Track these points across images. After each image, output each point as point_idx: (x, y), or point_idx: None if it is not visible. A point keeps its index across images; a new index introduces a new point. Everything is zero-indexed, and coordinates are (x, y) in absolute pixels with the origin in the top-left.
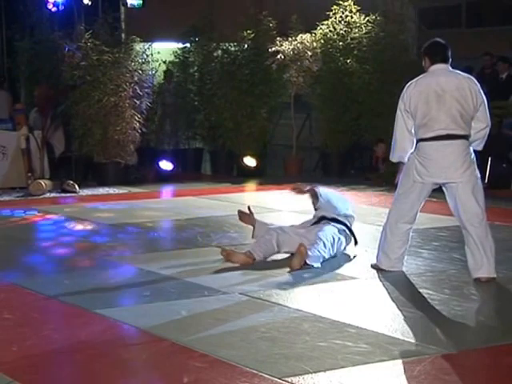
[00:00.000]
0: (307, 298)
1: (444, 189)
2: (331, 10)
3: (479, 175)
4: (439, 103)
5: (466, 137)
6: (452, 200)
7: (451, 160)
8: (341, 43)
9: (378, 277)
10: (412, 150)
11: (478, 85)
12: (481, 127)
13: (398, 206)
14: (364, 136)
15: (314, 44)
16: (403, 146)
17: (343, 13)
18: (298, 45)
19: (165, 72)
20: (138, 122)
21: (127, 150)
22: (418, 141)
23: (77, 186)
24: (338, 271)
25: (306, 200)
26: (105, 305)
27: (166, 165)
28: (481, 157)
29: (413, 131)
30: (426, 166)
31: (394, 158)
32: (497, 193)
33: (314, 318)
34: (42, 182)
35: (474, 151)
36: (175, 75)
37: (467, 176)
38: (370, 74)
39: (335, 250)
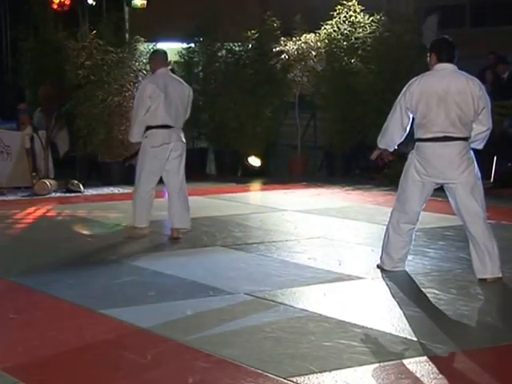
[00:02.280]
0: (313, 298)
1: (445, 189)
2: (335, 10)
3: (479, 175)
4: (439, 106)
5: (464, 138)
6: (453, 200)
7: (449, 161)
8: (345, 43)
9: (384, 277)
10: (401, 141)
11: (483, 87)
12: (482, 130)
13: (399, 206)
14: (369, 136)
15: (319, 44)
16: (392, 138)
17: (347, 13)
18: (302, 45)
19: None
20: None
21: (131, 150)
22: (417, 140)
23: (81, 186)
24: (343, 271)
25: (309, 200)
26: (110, 305)
27: None
28: (486, 156)
29: (407, 128)
30: (425, 166)
31: (380, 144)
32: (502, 192)
33: (319, 317)
34: (46, 181)
35: (480, 150)
36: (180, 75)
37: (465, 176)
38: (374, 74)
39: None
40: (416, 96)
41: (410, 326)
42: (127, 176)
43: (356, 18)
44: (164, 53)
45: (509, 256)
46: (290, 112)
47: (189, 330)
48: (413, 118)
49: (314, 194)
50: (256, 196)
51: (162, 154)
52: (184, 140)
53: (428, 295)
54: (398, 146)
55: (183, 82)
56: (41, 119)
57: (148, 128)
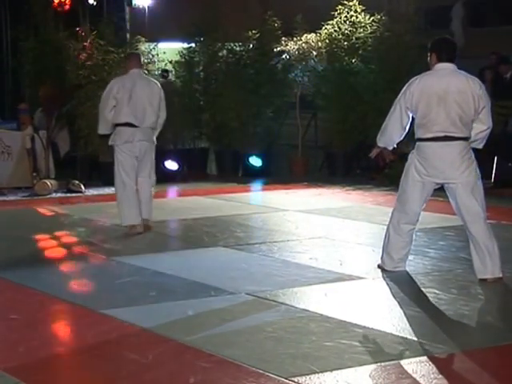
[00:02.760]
0: (314, 298)
1: (445, 189)
2: (336, 10)
3: (479, 175)
4: (439, 106)
5: (464, 138)
6: (453, 200)
7: (449, 160)
8: (346, 43)
9: (385, 277)
10: (400, 141)
11: (483, 87)
12: (482, 129)
13: (399, 206)
14: (369, 136)
15: (319, 44)
16: (391, 137)
17: (348, 12)
18: (303, 45)
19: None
20: None
21: None
22: (417, 140)
23: (82, 186)
24: (344, 271)
25: (310, 200)
26: (111, 305)
27: (171, 164)
28: (487, 156)
29: (406, 127)
30: (425, 166)
31: (379, 143)
32: (503, 192)
33: (320, 317)
34: (47, 181)
35: (481, 150)
36: (181, 74)
37: (466, 176)
38: (375, 74)
39: None
40: (416, 96)
41: (411, 325)
42: None
43: (357, 17)
44: (137, 55)
45: (509, 256)
46: (290, 112)
47: (190, 330)
48: (413, 118)
49: (315, 194)
50: (257, 196)
51: (128, 151)
52: (154, 140)
53: (428, 295)
54: (398, 145)
55: (154, 83)
56: (41, 119)
57: (116, 125)
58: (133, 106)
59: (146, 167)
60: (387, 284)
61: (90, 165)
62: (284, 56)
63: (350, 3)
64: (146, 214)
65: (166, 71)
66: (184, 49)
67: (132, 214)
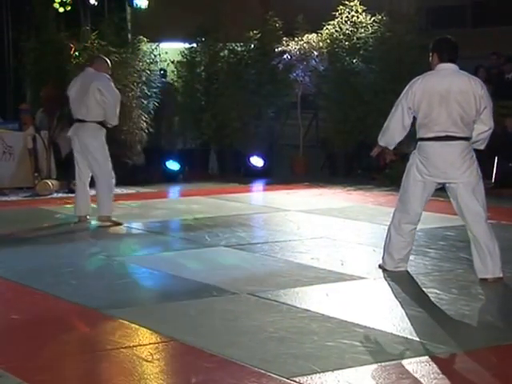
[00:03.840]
0: (315, 298)
1: (446, 189)
2: (337, 10)
3: (481, 175)
4: (441, 106)
5: (466, 138)
6: (454, 200)
7: (450, 160)
8: (347, 43)
9: (386, 277)
10: (402, 140)
11: (485, 87)
12: (484, 129)
13: (401, 206)
14: (370, 135)
15: (320, 44)
16: (393, 136)
17: (349, 13)
18: (305, 45)
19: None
20: (145, 121)
21: (134, 150)
22: (419, 140)
23: None
24: (345, 271)
25: (311, 200)
26: (113, 305)
27: (173, 165)
28: (487, 156)
29: (408, 127)
30: (426, 166)
31: (381, 142)
32: (503, 192)
33: (322, 317)
34: (48, 182)
35: (482, 150)
36: (182, 75)
37: (467, 176)
38: (376, 74)
39: None
40: (418, 95)
41: (412, 325)
42: (129, 176)
43: (358, 18)
44: (98, 57)
45: (509, 256)
46: (292, 112)
47: (191, 330)
48: (414, 118)
49: (316, 194)
50: (259, 196)
51: (74, 146)
52: (99, 134)
53: (429, 295)
54: (399, 145)
55: (98, 79)
56: (43, 119)
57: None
58: (76, 102)
59: (96, 164)
60: (388, 284)
61: None
62: (285, 56)
63: (351, 3)
64: (102, 211)
65: (164, 70)
66: (186, 49)
67: (81, 205)
